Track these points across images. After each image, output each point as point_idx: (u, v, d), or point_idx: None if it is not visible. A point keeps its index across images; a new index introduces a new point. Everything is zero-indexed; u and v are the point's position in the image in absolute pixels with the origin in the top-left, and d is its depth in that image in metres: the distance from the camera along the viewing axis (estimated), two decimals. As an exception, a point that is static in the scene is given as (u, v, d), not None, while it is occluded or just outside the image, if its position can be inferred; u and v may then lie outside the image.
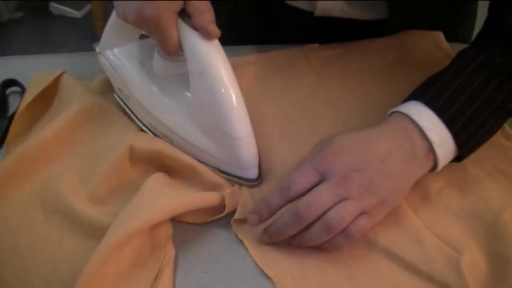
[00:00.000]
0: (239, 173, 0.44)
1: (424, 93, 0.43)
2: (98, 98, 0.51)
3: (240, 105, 0.41)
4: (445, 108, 0.41)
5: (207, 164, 0.45)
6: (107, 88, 0.54)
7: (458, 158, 0.43)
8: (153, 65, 0.46)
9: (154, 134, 0.48)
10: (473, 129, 0.41)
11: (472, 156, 0.47)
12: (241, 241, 0.41)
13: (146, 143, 0.45)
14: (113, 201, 0.43)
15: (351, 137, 0.41)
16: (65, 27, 2.26)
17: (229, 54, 0.42)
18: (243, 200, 0.43)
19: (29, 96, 0.50)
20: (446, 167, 0.46)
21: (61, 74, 0.53)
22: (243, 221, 0.42)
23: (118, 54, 0.50)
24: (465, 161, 0.47)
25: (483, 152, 0.48)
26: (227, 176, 0.45)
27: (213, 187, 0.43)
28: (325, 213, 0.37)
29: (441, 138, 0.40)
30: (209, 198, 0.41)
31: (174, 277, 0.38)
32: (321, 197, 0.38)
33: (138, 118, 0.49)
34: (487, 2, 0.50)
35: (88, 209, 0.40)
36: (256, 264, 0.39)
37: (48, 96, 0.52)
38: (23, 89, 0.54)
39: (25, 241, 0.40)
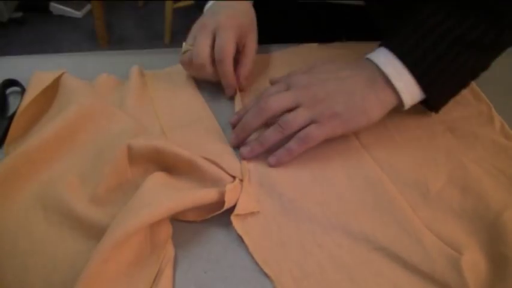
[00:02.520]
0: None
1: (386, 39, 0.48)
2: (98, 98, 0.51)
3: None
4: (398, 44, 0.45)
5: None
6: (107, 88, 0.54)
7: (431, 105, 0.49)
8: None
9: None
10: (430, 61, 0.44)
11: (472, 156, 0.47)
12: (241, 240, 0.41)
13: (145, 141, 0.45)
14: (112, 201, 0.43)
15: (323, 63, 0.48)
16: (65, 27, 2.26)
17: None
18: (243, 195, 0.43)
19: (29, 96, 0.50)
20: (446, 165, 0.46)
21: (61, 74, 0.53)
22: (243, 217, 0.42)
23: None
24: (465, 161, 0.47)
25: (483, 152, 0.48)
26: None
27: (213, 182, 0.43)
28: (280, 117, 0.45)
29: (397, 71, 0.44)
30: (208, 195, 0.41)
31: (173, 277, 0.38)
32: (279, 97, 0.45)
33: None
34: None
35: (88, 209, 0.41)
36: (256, 263, 0.39)
37: (48, 96, 0.52)
38: (23, 89, 0.54)
39: (25, 241, 0.40)
